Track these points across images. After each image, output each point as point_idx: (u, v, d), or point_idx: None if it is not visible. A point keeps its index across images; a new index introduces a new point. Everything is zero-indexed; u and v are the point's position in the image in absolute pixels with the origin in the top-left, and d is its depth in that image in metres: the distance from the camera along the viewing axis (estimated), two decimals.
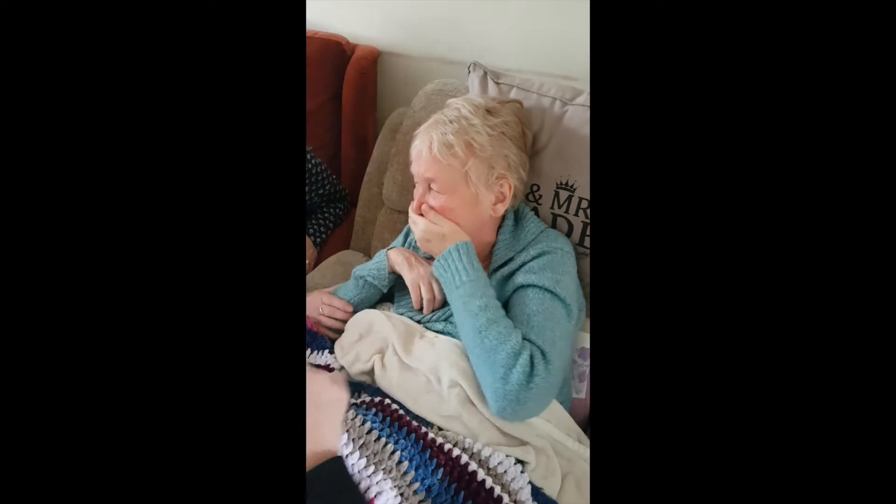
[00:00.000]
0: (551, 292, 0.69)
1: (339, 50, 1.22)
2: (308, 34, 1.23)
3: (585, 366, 0.82)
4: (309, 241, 1.14)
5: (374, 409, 0.63)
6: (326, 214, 1.19)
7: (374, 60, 1.25)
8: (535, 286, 0.69)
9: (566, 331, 0.69)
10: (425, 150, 0.74)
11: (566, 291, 0.70)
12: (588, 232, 0.83)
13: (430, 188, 0.76)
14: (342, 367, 0.74)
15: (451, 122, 0.74)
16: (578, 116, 0.82)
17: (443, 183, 0.74)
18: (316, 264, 1.12)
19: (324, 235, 1.17)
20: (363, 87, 1.24)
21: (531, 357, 0.63)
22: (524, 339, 0.66)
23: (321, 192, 1.16)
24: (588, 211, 0.82)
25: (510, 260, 0.75)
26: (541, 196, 0.85)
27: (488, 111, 0.75)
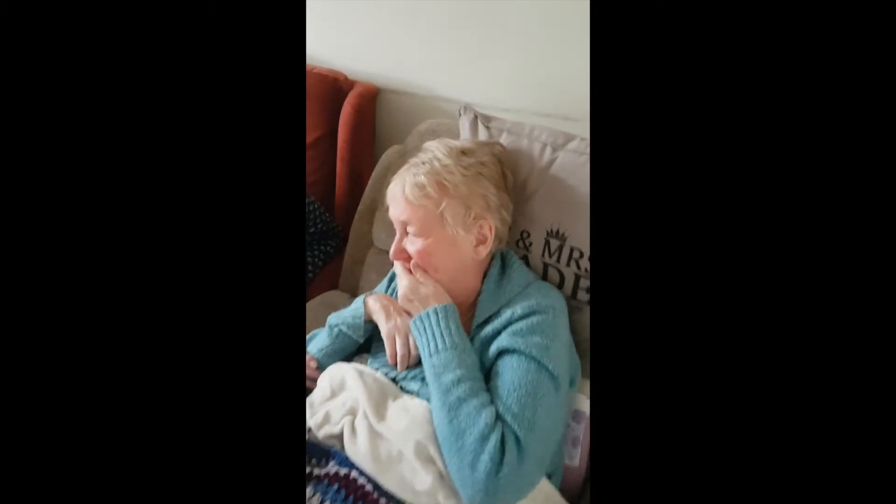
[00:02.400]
0: (538, 362, 0.63)
1: (335, 86, 1.21)
2: (306, 68, 1.23)
3: (579, 430, 0.75)
4: None
5: (336, 485, 0.57)
6: (316, 252, 1.16)
7: (372, 98, 1.24)
8: (520, 353, 0.63)
9: (551, 406, 0.62)
10: (398, 192, 0.72)
11: (555, 361, 0.64)
12: (581, 284, 0.77)
13: (407, 232, 0.72)
14: (310, 429, 0.68)
15: (423, 163, 0.72)
16: (570, 162, 0.78)
17: (418, 225, 0.70)
18: None
19: (311, 275, 1.13)
20: (359, 125, 1.22)
21: (502, 442, 0.57)
22: (500, 417, 0.59)
23: (312, 230, 1.14)
24: (580, 262, 0.77)
25: (495, 315, 0.70)
26: (531, 244, 0.80)
27: (463, 152, 0.72)
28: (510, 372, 0.62)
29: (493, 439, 0.57)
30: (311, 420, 0.69)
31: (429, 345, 0.66)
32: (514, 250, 0.80)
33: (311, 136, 1.22)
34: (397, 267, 0.74)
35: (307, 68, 1.23)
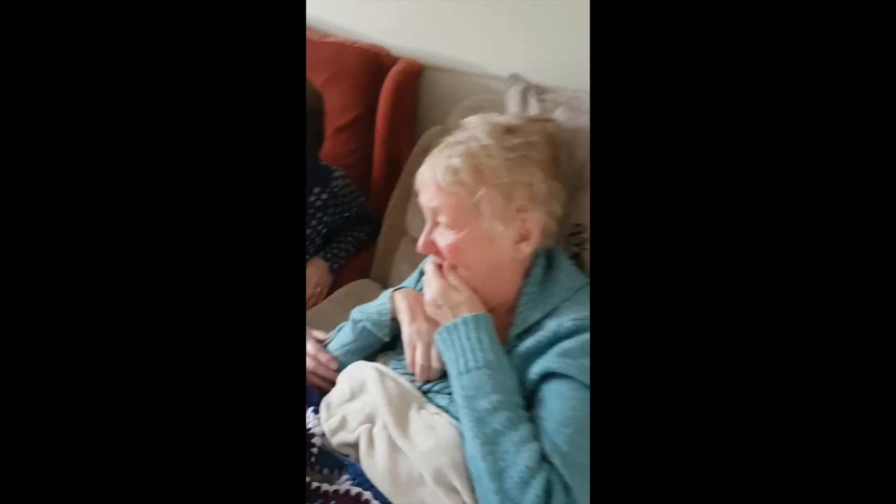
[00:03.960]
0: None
1: (376, 61, 1.13)
2: (346, 43, 1.16)
3: None
4: (325, 266, 1.04)
5: None
6: (349, 238, 1.10)
7: (414, 74, 1.16)
8: (571, 379, 0.54)
9: None
10: (429, 176, 0.62)
11: None
12: None
13: (437, 222, 0.63)
14: (323, 434, 0.61)
15: (459, 143, 0.61)
16: None
17: (450, 216, 0.61)
18: (330, 292, 1.02)
19: (342, 261, 1.07)
20: (399, 103, 1.14)
21: (547, 488, 0.48)
22: (546, 458, 0.50)
23: (346, 214, 1.08)
24: None
25: (538, 325, 0.60)
26: (586, 239, 0.69)
27: (508, 130, 0.61)
28: (559, 402, 0.53)
29: (537, 485, 0.48)
30: (326, 424, 0.62)
31: (457, 361, 0.57)
32: (563, 247, 0.70)
33: (348, 116, 1.15)
34: (428, 267, 0.66)
35: (347, 43, 1.16)
